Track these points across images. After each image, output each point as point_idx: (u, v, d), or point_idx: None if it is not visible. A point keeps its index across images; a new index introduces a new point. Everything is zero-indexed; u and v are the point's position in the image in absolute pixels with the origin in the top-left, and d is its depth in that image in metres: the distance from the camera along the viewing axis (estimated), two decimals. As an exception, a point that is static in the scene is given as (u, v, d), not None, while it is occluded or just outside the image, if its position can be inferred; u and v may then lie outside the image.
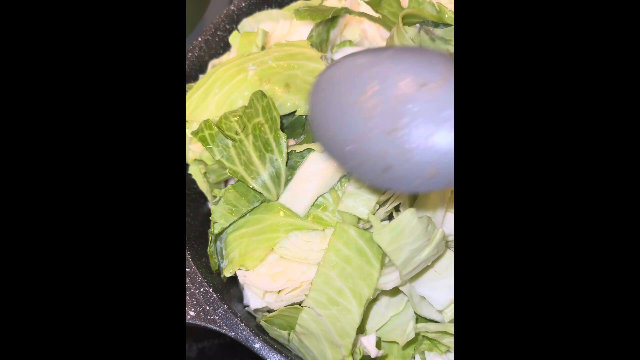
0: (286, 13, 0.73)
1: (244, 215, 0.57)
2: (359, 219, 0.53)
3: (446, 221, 0.54)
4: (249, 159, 0.54)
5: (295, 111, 0.58)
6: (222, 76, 0.60)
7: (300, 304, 0.52)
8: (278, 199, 0.56)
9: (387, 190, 0.52)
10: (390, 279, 0.51)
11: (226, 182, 0.65)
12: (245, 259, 0.55)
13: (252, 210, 0.57)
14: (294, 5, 0.75)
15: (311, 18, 0.62)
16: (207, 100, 0.60)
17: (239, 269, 0.55)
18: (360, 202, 0.52)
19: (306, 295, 0.51)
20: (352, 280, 0.51)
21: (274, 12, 0.74)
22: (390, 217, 0.57)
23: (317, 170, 0.55)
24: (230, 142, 0.54)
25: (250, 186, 0.55)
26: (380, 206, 0.54)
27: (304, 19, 0.63)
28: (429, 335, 0.54)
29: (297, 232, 0.55)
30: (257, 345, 0.52)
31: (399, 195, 0.53)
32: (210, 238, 0.57)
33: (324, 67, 0.58)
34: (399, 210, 0.55)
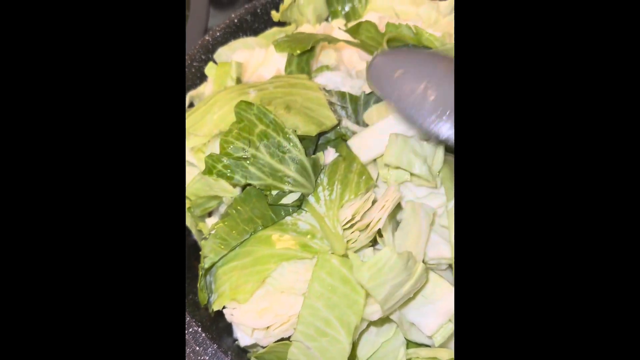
0: (261, 41, 0.73)
1: (234, 248, 0.57)
2: (411, 174, 0.55)
3: (430, 245, 0.54)
4: (272, 167, 0.55)
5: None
6: (222, 98, 0.60)
7: (289, 338, 0.52)
8: (315, 189, 0.56)
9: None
10: (375, 309, 0.51)
11: (210, 213, 0.65)
12: (236, 293, 0.55)
13: (242, 242, 0.57)
14: (269, 32, 0.75)
15: (291, 50, 0.63)
16: (207, 117, 0.60)
17: (225, 307, 0.55)
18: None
19: (294, 329, 0.51)
20: (339, 309, 0.51)
21: (249, 40, 0.74)
22: (373, 241, 0.57)
23: (389, 131, 0.57)
24: (245, 162, 0.54)
25: (286, 190, 0.55)
26: (361, 232, 0.54)
27: (284, 51, 0.63)
28: (420, 360, 0.54)
29: (284, 264, 0.55)
30: (249, 383, 0.52)
31: (379, 219, 0.53)
32: (200, 273, 0.56)
33: (322, 95, 0.59)
34: (382, 235, 0.55)
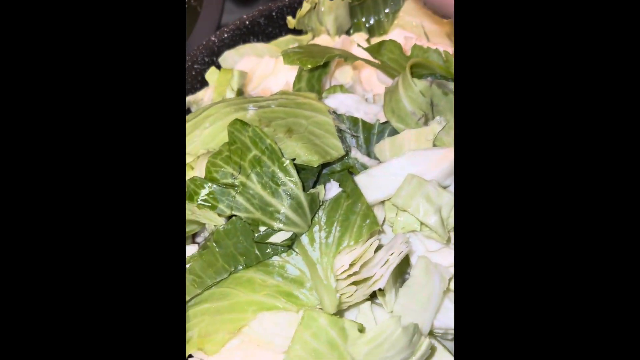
0: (273, 48, 0.66)
1: (209, 288, 0.49)
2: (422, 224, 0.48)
3: (440, 313, 0.46)
4: (262, 200, 0.47)
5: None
6: (216, 112, 0.53)
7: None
8: (310, 228, 0.49)
9: None
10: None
11: (194, 236, 0.58)
12: (204, 342, 0.47)
13: (218, 282, 0.50)
14: (282, 39, 0.67)
15: (301, 63, 0.55)
16: (194, 133, 0.52)
17: (191, 357, 0.47)
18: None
19: (268, 394, 0.43)
20: (322, 379, 0.43)
21: (259, 46, 0.67)
22: (373, 296, 0.49)
23: (404, 171, 0.50)
24: (231, 190, 0.47)
25: (275, 228, 0.47)
26: (358, 286, 0.47)
27: (293, 64, 0.55)
28: None
29: (264, 313, 0.47)
30: None
31: (382, 276, 0.45)
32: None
33: (331, 120, 0.52)
34: (382, 290, 0.48)
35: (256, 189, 0.47)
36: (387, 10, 0.71)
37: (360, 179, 0.51)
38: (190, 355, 0.48)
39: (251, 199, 0.47)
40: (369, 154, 0.55)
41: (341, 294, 0.47)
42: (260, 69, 0.62)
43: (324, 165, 0.52)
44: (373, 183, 0.51)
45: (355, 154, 0.54)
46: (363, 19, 0.72)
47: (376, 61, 0.56)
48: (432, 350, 0.45)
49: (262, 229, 0.48)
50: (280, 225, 0.47)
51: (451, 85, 0.50)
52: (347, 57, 0.55)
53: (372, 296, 0.50)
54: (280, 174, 0.47)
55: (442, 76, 0.51)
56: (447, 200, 0.47)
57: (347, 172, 0.53)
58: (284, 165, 0.47)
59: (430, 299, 0.46)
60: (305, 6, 0.66)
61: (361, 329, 0.43)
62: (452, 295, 0.47)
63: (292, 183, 0.47)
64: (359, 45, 0.58)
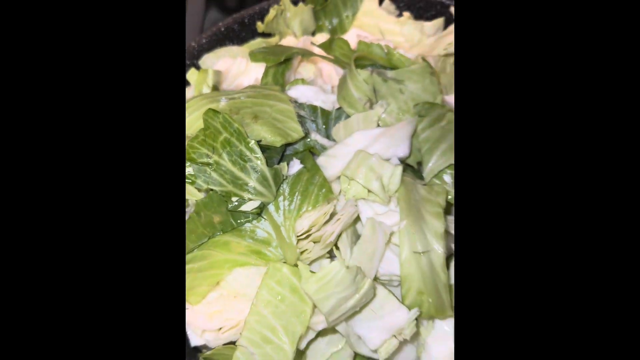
0: (245, 50, 0.75)
1: (191, 251, 0.59)
2: (369, 191, 0.56)
3: (383, 262, 0.55)
4: (233, 175, 0.56)
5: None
6: (194, 104, 0.62)
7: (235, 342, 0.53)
8: (276, 198, 0.58)
9: None
10: (320, 320, 0.52)
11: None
12: (189, 295, 0.56)
13: (199, 245, 0.59)
14: (253, 42, 0.77)
15: (265, 60, 0.64)
16: None
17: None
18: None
19: (240, 334, 0.52)
20: (285, 317, 0.52)
21: (234, 49, 0.76)
22: (331, 253, 0.58)
23: (354, 148, 0.59)
24: (207, 168, 0.56)
25: (245, 198, 0.56)
26: (315, 243, 0.56)
27: (258, 61, 0.64)
28: (367, 373, 0.55)
29: (239, 269, 0.56)
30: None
31: (332, 232, 0.55)
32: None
33: (292, 108, 0.61)
34: (338, 248, 0.57)
35: (227, 165, 0.56)
36: (347, 13, 0.81)
37: (320, 160, 0.61)
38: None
39: (224, 174, 0.56)
40: (327, 136, 0.65)
41: (302, 251, 0.56)
42: (234, 68, 0.71)
43: (287, 146, 0.61)
44: (330, 161, 0.60)
45: (315, 136, 0.63)
46: (326, 22, 0.81)
47: (330, 56, 0.66)
48: (376, 292, 0.54)
49: (234, 199, 0.57)
50: (250, 196, 0.56)
51: (390, 74, 0.60)
52: (305, 54, 0.65)
53: (331, 255, 0.59)
54: (247, 152, 0.56)
55: (381, 66, 0.61)
56: (388, 169, 0.56)
57: (308, 152, 0.62)
58: (250, 145, 0.56)
59: (376, 251, 0.55)
60: (272, 12, 0.75)
61: (312, 272, 0.52)
62: (393, 247, 0.56)
63: (257, 160, 0.56)
64: (312, 44, 0.67)
